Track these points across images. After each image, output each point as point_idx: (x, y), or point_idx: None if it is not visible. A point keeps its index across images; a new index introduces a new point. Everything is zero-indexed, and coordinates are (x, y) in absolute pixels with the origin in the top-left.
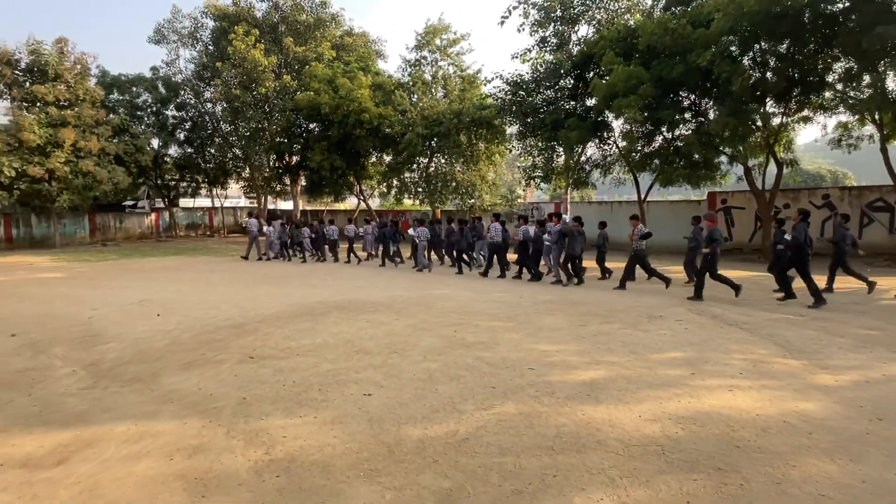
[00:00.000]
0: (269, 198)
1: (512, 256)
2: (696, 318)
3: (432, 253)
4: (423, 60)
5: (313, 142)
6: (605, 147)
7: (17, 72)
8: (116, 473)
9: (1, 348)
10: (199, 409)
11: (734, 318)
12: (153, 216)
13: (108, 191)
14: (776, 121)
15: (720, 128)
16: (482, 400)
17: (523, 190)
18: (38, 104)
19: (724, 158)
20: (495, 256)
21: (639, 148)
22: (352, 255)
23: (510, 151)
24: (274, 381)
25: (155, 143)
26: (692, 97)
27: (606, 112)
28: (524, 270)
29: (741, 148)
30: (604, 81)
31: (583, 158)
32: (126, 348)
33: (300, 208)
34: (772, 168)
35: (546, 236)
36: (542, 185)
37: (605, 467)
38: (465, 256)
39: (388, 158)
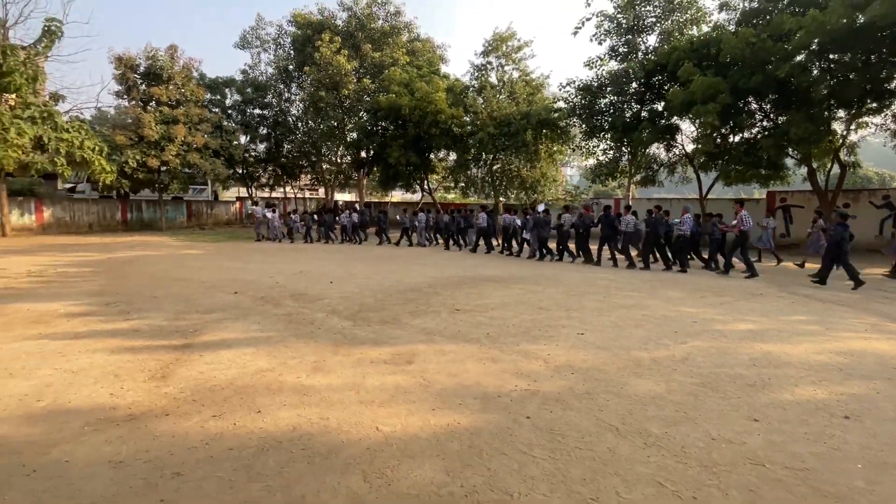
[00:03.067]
0: (334, 190)
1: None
2: (793, 296)
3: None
4: (488, 65)
5: (390, 139)
6: (673, 148)
7: (135, 75)
8: (454, 369)
9: (244, 301)
10: (462, 339)
11: (825, 296)
12: (237, 204)
13: (210, 180)
14: (840, 126)
15: (800, 132)
16: (674, 338)
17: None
18: (153, 104)
19: (788, 161)
20: (482, 238)
21: (711, 150)
22: (402, 239)
23: (573, 151)
24: (496, 325)
25: (242, 138)
26: (764, 104)
27: (675, 116)
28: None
29: (814, 151)
30: (681, 89)
31: (649, 158)
32: (344, 302)
33: (364, 200)
34: (834, 169)
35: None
36: (608, 181)
37: (801, 376)
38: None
39: (453, 156)
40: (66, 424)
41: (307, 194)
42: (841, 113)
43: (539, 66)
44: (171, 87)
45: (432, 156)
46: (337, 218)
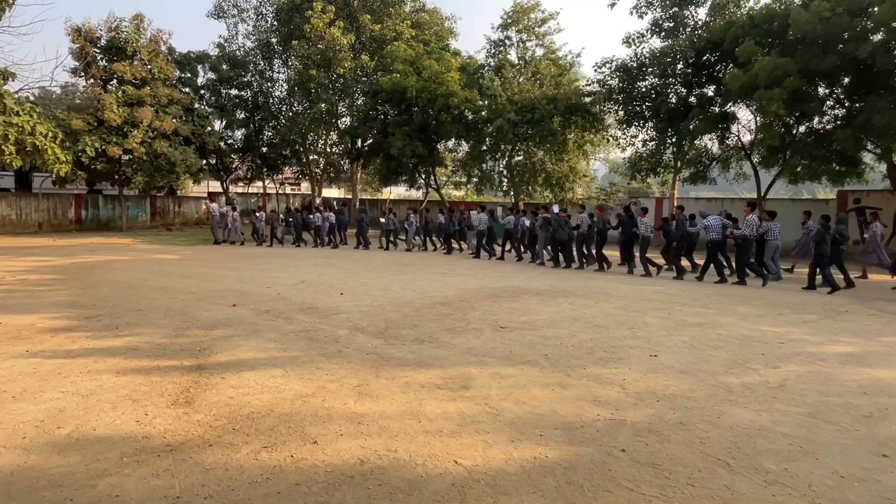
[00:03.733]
0: (321, 184)
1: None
2: (885, 314)
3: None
4: (507, 41)
5: (393, 126)
6: (727, 140)
7: (96, 49)
8: (520, 395)
9: (248, 315)
10: (517, 361)
11: None
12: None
13: (180, 173)
14: None
15: (884, 120)
16: (763, 362)
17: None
18: (115, 82)
19: (866, 155)
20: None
21: (776, 142)
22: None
23: (608, 141)
24: (552, 345)
25: (216, 124)
26: (836, 90)
27: (731, 102)
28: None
29: None
30: (741, 71)
31: (699, 151)
32: (365, 318)
33: (358, 197)
34: None
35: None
36: (649, 177)
37: None
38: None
39: (464, 147)
40: (101, 454)
41: (289, 189)
42: None
43: (567, 42)
44: (136, 64)
45: (441, 146)
46: (311, 217)
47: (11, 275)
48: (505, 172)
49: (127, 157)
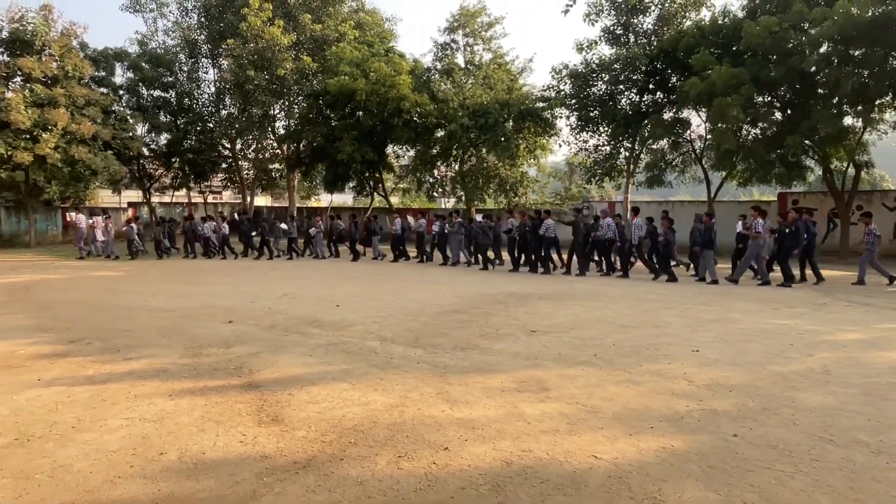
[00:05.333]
0: (254, 193)
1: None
2: (855, 305)
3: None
4: (453, 44)
5: (340, 131)
6: (680, 145)
7: None
8: (601, 393)
9: (255, 332)
10: (572, 362)
11: (882, 304)
12: (130, 211)
13: (103, 181)
14: (850, 122)
15: (829, 128)
16: (797, 352)
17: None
18: (19, 80)
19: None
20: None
21: (734, 147)
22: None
23: (560, 146)
24: (594, 346)
25: (139, 128)
26: (781, 98)
27: (685, 108)
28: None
29: (838, 149)
30: (697, 79)
31: (657, 155)
32: (385, 328)
33: (296, 205)
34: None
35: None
36: (603, 181)
37: None
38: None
39: (410, 152)
40: (235, 476)
41: (210, 198)
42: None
43: (515, 46)
44: (45, 60)
45: (389, 150)
46: (202, 228)
47: None
48: (457, 178)
49: (40, 166)
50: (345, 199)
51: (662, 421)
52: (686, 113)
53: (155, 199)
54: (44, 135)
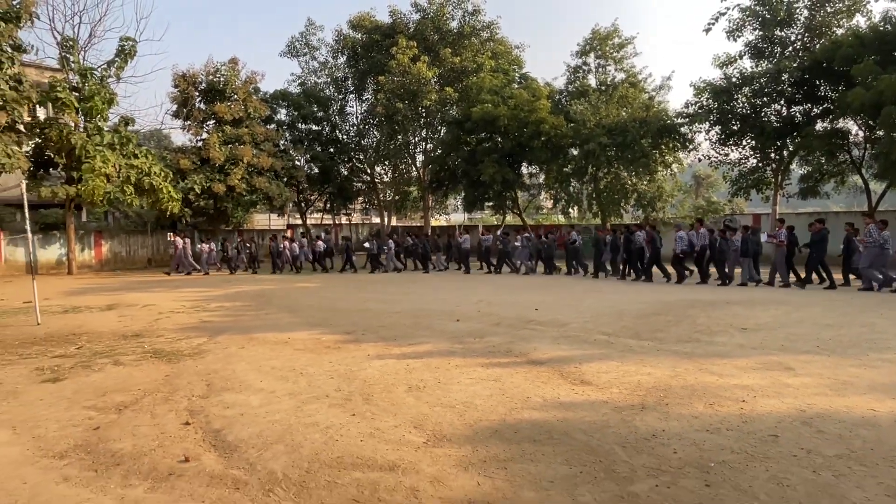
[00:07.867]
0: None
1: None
2: None
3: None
4: (585, 66)
5: (482, 154)
6: (838, 155)
7: (196, 93)
8: (845, 373)
9: (486, 328)
10: (800, 351)
11: None
12: (289, 232)
13: (276, 206)
14: None
15: None
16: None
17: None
18: (212, 122)
19: None
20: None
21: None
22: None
23: (699, 161)
24: (811, 340)
25: (300, 159)
26: None
27: (845, 119)
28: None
29: None
30: (861, 89)
31: (813, 166)
32: (599, 325)
33: (430, 225)
34: None
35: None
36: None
37: None
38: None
39: (541, 171)
40: (594, 410)
41: (344, 220)
42: None
43: (647, 65)
44: (233, 104)
45: (524, 170)
46: (283, 246)
47: (213, 301)
48: (593, 194)
49: (229, 195)
50: (457, 217)
51: None
52: (842, 123)
53: (291, 219)
54: (234, 168)
